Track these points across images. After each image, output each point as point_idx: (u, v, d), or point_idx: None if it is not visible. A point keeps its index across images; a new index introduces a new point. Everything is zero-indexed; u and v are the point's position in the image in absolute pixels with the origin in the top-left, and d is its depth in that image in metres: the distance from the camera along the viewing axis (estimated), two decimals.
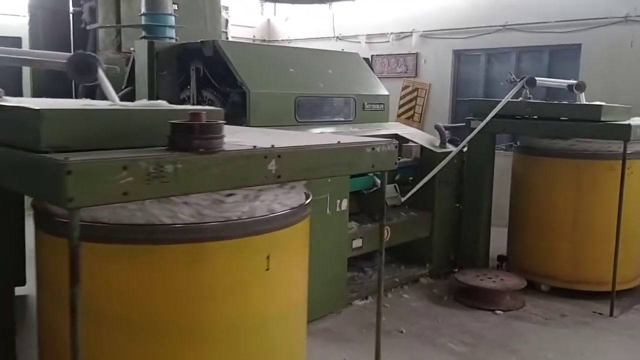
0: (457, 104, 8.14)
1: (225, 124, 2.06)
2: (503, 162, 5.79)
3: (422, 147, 5.56)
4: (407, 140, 5.64)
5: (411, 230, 5.42)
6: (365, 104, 5.93)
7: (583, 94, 5.19)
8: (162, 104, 2.39)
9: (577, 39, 6.89)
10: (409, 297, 5.14)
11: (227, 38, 8.83)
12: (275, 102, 5.12)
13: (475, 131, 5.27)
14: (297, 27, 10.23)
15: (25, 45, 7.10)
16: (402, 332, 4.39)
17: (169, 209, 1.99)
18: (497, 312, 4.81)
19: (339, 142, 2.42)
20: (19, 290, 3.54)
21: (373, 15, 9.08)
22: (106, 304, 2.04)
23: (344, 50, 6.83)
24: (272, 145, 2.09)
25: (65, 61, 2.53)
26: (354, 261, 5.46)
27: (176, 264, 2.03)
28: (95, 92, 6.05)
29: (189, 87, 5.47)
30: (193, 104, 5.39)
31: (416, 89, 8.60)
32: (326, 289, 4.50)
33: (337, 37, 9.53)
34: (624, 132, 4.52)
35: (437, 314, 4.76)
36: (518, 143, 5.55)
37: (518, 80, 5.15)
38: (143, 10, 5.64)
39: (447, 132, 5.73)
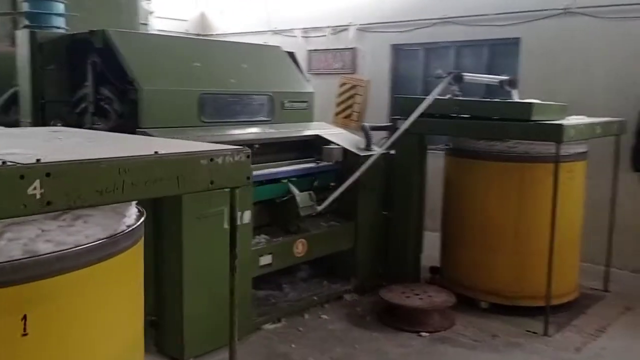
0: (396, 102, 7.64)
1: None
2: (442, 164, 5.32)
3: (344, 150, 5.03)
4: (329, 142, 5.11)
5: (331, 242, 4.89)
6: (286, 102, 5.38)
7: (516, 90, 4.75)
8: None
9: (516, 32, 6.46)
10: (328, 318, 4.61)
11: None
12: (172, 101, 4.51)
13: (397, 132, 4.78)
14: (232, 21, 9.60)
15: None
16: None
17: None
18: (423, 334, 4.32)
19: (155, 152, 1.85)
20: None
21: (309, 8, 8.52)
22: None
23: (266, 44, 6.25)
24: (38, 160, 1.51)
25: None
26: (271, 277, 4.92)
27: None
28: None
29: (86, 84, 4.82)
30: (91, 103, 4.76)
31: (354, 86, 8.09)
32: (225, 315, 3.92)
33: (273, 31, 8.94)
34: (555, 133, 4.08)
35: (356, 339, 4.24)
36: (450, 144, 5.08)
37: (445, 75, 4.66)
38: None
39: (373, 133, 5.22)
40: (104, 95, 4.69)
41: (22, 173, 1.45)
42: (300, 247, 4.55)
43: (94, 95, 4.71)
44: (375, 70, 7.84)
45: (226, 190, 3.73)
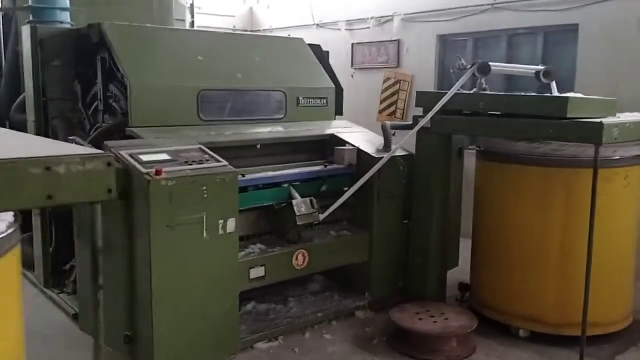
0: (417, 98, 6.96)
1: None
2: None
3: (359, 151, 4.53)
4: (345, 143, 4.63)
5: (340, 254, 4.41)
6: (301, 98, 4.96)
7: (554, 82, 4.06)
8: None
9: (574, 17, 5.67)
10: (331, 338, 4.14)
11: (194, 26, 8.01)
12: (167, 97, 4.23)
13: (410, 132, 4.22)
14: (278, 15, 9.29)
15: None
16: None
17: None
18: None
19: None
20: None
21: None
22: None
23: (289, 36, 5.84)
24: None
25: None
26: (278, 289, 4.53)
27: None
28: None
29: (96, 81, 4.63)
30: (100, 100, 4.56)
31: (398, 81, 7.51)
32: (205, 333, 3.57)
33: (317, 25, 8.53)
34: (593, 133, 3.39)
35: None
36: (480, 146, 4.45)
37: (469, 66, 4.05)
38: None
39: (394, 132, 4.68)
40: (112, 92, 4.48)
41: None
42: (300, 259, 4.11)
43: (103, 93, 4.51)
44: (420, 63, 7.23)
45: (205, 195, 3.51)
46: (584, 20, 5.64)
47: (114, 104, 4.47)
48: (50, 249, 4.82)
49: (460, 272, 4.85)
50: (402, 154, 4.59)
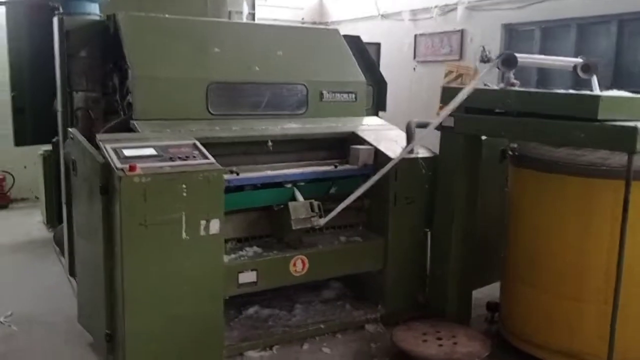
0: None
1: None
2: None
3: (377, 151, 4.16)
4: (364, 142, 4.27)
5: (347, 262, 4.06)
6: (325, 93, 4.66)
7: (595, 78, 3.46)
8: None
9: None
10: (329, 353, 3.83)
11: (254, 19, 7.94)
12: (173, 90, 4.10)
13: (425, 131, 3.78)
14: (346, 7, 9.00)
15: None
16: None
17: None
18: None
19: None
20: None
21: None
22: None
23: (325, 27, 5.54)
24: None
25: None
26: (287, 294, 4.30)
27: None
28: None
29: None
30: (118, 92, 4.53)
31: (460, 75, 6.97)
32: (185, 338, 3.40)
33: (382, 15, 8.15)
34: (625, 138, 2.81)
35: None
36: (515, 151, 3.90)
37: (495, 58, 3.55)
38: None
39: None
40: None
41: None
42: (299, 265, 3.83)
43: (120, 84, 4.48)
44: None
45: (185, 194, 3.33)
46: None
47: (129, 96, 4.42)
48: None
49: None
50: (426, 155, 4.16)
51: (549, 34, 6.00)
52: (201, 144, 3.80)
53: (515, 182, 3.83)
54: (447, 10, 7.07)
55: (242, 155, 4.06)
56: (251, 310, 4.15)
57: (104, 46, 4.67)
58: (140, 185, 3.15)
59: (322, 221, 3.80)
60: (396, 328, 3.78)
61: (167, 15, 4.47)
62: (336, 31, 5.15)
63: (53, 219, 6.18)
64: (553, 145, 3.43)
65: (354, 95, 4.80)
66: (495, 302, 4.22)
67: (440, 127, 3.95)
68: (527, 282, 3.75)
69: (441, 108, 7.17)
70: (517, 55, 3.46)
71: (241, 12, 7.31)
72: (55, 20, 4.69)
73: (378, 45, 6.32)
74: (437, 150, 4.16)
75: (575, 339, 3.50)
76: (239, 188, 3.77)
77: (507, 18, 6.33)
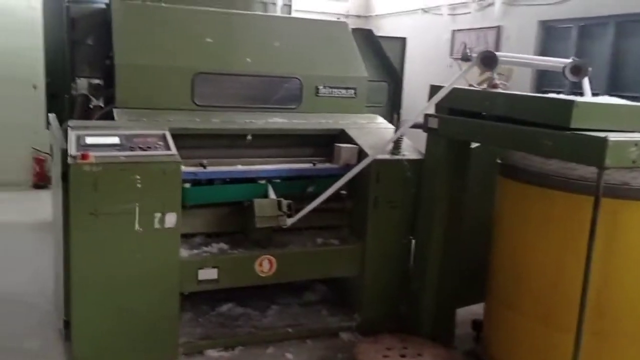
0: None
1: None
2: None
3: (360, 151, 3.94)
4: (351, 140, 4.06)
5: (321, 265, 3.88)
6: (321, 87, 4.47)
7: (586, 81, 3.09)
8: None
9: None
10: (292, 359, 3.68)
11: (291, 11, 7.84)
12: (157, 79, 4.04)
13: (400, 131, 3.52)
14: (390, 1, 8.72)
15: None
16: None
17: None
18: None
19: None
20: None
21: None
22: None
23: (335, 20, 5.33)
24: None
25: None
26: (269, 294, 4.19)
27: None
28: None
29: None
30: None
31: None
32: (136, 331, 3.36)
33: (423, 10, 7.81)
34: (593, 151, 2.47)
35: None
36: (504, 160, 3.55)
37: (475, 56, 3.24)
38: None
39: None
40: None
41: None
42: (265, 266, 3.68)
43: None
44: (519, 53, 6.18)
45: (139, 185, 3.28)
46: None
47: None
48: None
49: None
50: (413, 157, 3.90)
51: (586, 33, 5.49)
52: (177, 135, 3.75)
53: (501, 195, 3.48)
54: (485, 5, 6.66)
55: (221, 148, 3.96)
56: (224, 308, 4.07)
57: (109, 34, 4.72)
58: (91, 173, 3.12)
59: (290, 221, 3.64)
60: (361, 339, 3.58)
61: (163, 4, 4.44)
62: (343, 24, 4.94)
63: None
64: (542, 155, 3.09)
65: (353, 91, 4.58)
66: (481, 320, 3.91)
67: (426, 129, 3.69)
68: (509, 305, 3.40)
69: None
70: (498, 54, 3.15)
71: (274, 4, 7.23)
72: (64, 8, 4.78)
73: (403, 40, 6.05)
74: None
75: None
76: (209, 182, 3.68)
77: (544, 14, 5.87)
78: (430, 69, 6.34)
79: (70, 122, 3.58)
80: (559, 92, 4.41)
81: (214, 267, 3.56)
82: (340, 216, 4.08)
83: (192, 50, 4.21)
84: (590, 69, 3.09)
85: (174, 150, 3.38)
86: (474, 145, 3.70)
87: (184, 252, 3.53)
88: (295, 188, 3.87)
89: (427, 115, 3.70)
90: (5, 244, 5.51)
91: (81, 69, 4.77)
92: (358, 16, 9.44)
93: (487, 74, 6.27)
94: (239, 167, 3.76)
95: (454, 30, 7.18)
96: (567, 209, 3.02)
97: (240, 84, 4.26)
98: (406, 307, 4.02)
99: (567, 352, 2.87)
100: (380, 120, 4.56)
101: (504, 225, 3.46)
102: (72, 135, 3.37)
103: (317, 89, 4.46)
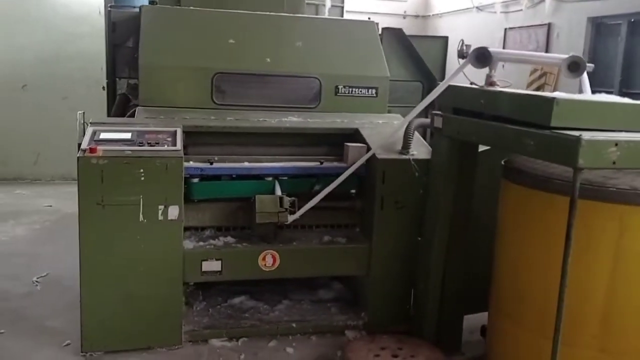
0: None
1: None
2: None
3: (369, 151, 3.93)
4: (363, 140, 4.06)
5: (326, 262, 3.89)
6: (340, 87, 4.51)
7: (585, 77, 2.92)
8: None
9: None
10: (291, 353, 3.73)
11: (343, 12, 7.94)
12: (177, 78, 4.24)
13: (393, 130, 3.48)
14: (448, 0, 8.57)
15: None
16: None
17: None
18: None
19: None
20: None
21: None
22: None
23: (362, 20, 5.30)
24: None
25: None
26: (284, 289, 4.28)
27: None
28: None
29: None
30: None
31: (544, 74, 6.27)
32: (141, 319, 3.55)
33: (477, 8, 7.62)
34: (568, 151, 2.36)
35: None
36: (508, 162, 3.40)
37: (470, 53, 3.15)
38: None
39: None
40: None
41: None
42: (269, 260, 3.77)
43: None
44: (568, 52, 5.87)
45: (143, 178, 3.46)
46: None
47: None
48: None
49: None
50: (422, 157, 3.84)
51: (637, 30, 5.14)
52: (194, 132, 3.93)
53: (504, 199, 3.33)
54: (537, 1, 6.39)
55: (236, 145, 4.08)
56: (236, 300, 4.18)
57: None
58: (97, 166, 3.34)
59: (291, 218, 3.70)
60: (358, 338, 3.58)
61: (192, 8, 4.63)
62: (370, 24, 4.93)
63: None
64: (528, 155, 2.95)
65: (374, 91, 4.57)
66: None
67: (432, 128, 3.63)
68: (512, 318, 3.22)
69: None
70: (493, 50, 3.05)
71: (324, 5, 7.31)
72: (106, 12, 5.11)
73: (445, 39, 5.95)
74: None
75: None
76: (216, 177, 3.82)
77: (594, 10, 5.55)
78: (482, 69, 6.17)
79: (92, 119, 3.83)
80: (610, 93, 4.20)
81: (217, 259, 3.69)
82: (352, 215, 4.09)
83: (213, 51, 4.38)
84: (592, 65, 2.92)
85: (179, 146, 3.54)
86: (484, 147, 3.59)
87: (190, 244, 3.69)
88: (302, 186, 3.92)
89: (433, 114, 3.64)
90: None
91: (121, 70, 5.09)
92: (416, 16, 9.33)
93: (538, 74, 6.04)
94: (245, 164, 3.86)
95: (506, 29, 6.95)
96: (583, 220, 2.71)
97: (259, 83, 4.38)
98: (414, 310, 3.96)
99: None
100: (400, 119, 4.52)
101: (507, 234, 3.31)
102: (89, 131, 3.62)
103: (337, 88, 4.50)
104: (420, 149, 3.93)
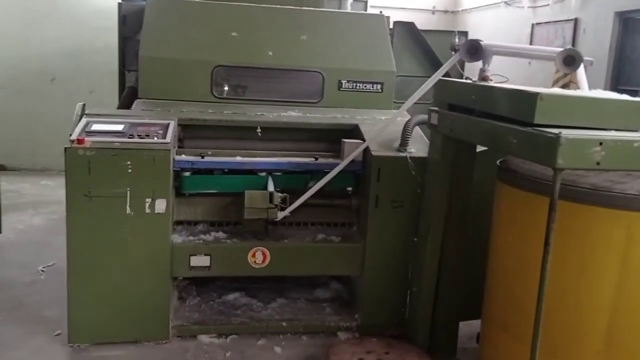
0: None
1: None
2: None
3: (365, 148, 3.81)
4: (361, 136, 3.94)
5: (318, 261, 3.79)
6: (344, 82, 4.40)
7: (582, 71, 2.72)
8: None
9: None
10: (279, 353, 3.65)
11: (366, 6, 7.80)
12: (177, 71, 4.21)
13: (381, 127, 3.34)
14: None
15: None
16: None
17: None
18: None
19: None
20: None
21: None
22: None
23: (372, 14, 5.16)
24: None
25: None
26: (282, 288, 4.21)
27: None
28: None
29: None
30: None
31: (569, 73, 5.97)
32: (127, 312, 3.53)
33: (505, 3, 7.36)
34: (547, 150, 2.19)
35: None
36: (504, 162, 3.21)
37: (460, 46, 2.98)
38: None
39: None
40: None
41: None
42: (259, 257, 3.69)
43: None
44: (596, 49, 5.61)
45: (130, 171, 3.43)
46: None
47: None
48: None
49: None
50: (420, 155, 3.70)
51: None
52: (191, 126, 3.89)
53: (500, 203, 3.13)
54: None
55: (233, 139, 4.02)
56: (231, 297, 4.13)
57: None
58: (84, 157, 3.33)
59: (280, 215, 3.61)
60: (343, 340, 3.47)
61: (199, 1, 4.58)
62: (381, 17, 4.79)
63: None
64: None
65: (379, 86, 4.44)
66: None
67: (429, 125, 3.48)
68: (507, 330, 3.03)
69: None
70: (484, 43, 2.89)
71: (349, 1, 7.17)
72: (117, 5, 5.13)
73: (465, 34, 5.75)
74: None
75: None
76: (209, 171, 3.77)
77: (622, 4, 5.25)
78: (510, 65, 5.93)
79: (88, 110, 3.84)
80: (636, 92, 3.98)
81: (206, 254, 3.64)
82: (348, 213, 3.97)
83: (214, 44, 4.32)
84: (592, 60, 2.73)
85: (168, 139, 3.50)
86: (482, 148, 3.42)
87: (179, 238, 3.65)
88: (295, 182, 3.83)
89: (430, 111, 3.49)
90: None
91: (130, 62, 5.09)
92: (445, 11, 9.10)
93: (562, 73, 5.81)
94: (238, 159, 3.80)
95: (533, 24, 6.68)
96: (575, 223, 2.60)
97: (260, 77, 4.31)
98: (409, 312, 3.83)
99: None
100: (405, 117, 4.37)
101: (502, 239, 3.12)
102: (82, 122, 3.62)
103: (340, 83, 4.39)
104: (419, 147, 3.78)
